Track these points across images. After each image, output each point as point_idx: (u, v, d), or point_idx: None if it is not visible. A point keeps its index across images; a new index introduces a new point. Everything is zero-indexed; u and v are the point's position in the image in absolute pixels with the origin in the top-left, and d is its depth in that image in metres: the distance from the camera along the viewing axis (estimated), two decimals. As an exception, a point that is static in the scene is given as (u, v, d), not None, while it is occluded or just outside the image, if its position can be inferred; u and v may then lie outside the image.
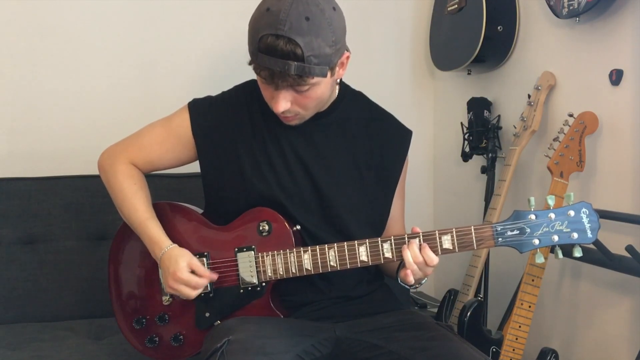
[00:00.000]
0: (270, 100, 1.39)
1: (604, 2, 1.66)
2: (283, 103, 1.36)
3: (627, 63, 1.67)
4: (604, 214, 1.67)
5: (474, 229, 1.32)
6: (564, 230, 1.28)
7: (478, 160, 2.23)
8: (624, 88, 1.68)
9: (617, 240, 1.61)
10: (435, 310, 2.19)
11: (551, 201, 1.31)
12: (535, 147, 2.00)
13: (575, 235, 1.27)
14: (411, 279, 1.36)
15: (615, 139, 1.72)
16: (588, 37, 1.79)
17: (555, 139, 1.77)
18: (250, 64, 1.35)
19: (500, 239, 1.30)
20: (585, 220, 1.27)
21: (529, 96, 1.94)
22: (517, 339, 1.76)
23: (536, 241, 1.29)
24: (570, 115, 1.75)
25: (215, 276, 1.46)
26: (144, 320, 1.54)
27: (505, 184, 1.95)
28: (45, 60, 2.20)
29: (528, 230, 1.29)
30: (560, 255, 1.31)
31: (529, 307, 1.75)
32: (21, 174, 2.08)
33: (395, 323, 1.46)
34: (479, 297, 2.01)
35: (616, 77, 1.69)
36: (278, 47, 1.26)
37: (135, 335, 1.55)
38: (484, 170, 2.16)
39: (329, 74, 1.34)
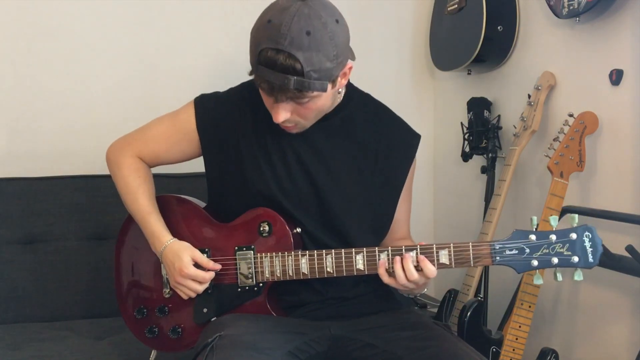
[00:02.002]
0: (271, 109, 1.40)
1: (604, 2, 1.66)
2: (282, 114, 1.36)
3: (627, 63, 1.67)
4: (604, 214, 1.68)
5: (472, 246, 1.29)
6: (564, 253, 1.23)
7: (478, 160, 2.23)
8: (624, 88, 1.68)
9: (617, 240, 1.61)
10: (435, 310, 2.19)
11: (554, 222, 1.25)
12: (535, 147, 2.00)
13: (576, 258, 1.23)
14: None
15: (615, 139, 1.72)
16: (588, 37, 1.79)
17: (555, 139, 1.77)
18: (250, 74, 1.35)
19: (498, 258, 1.27)
20: (587, 244, 1.22)
21: (529, 96, 1.94)
22: (517, 339, 1.76)
23: (535, 262, 1.24)
24: (570, 115, 1.75)
25: (218, 266, 1.47)
26: (145, 311, 1.57)
27: (505, 184, 1.95)
28: (45, 60, 2.20)
29: (527, 250, 1.25)
30: (560, 278, 1.26)
31: (529, 307, 1.75)
32: (21, 174, 2.08)
33: (392, 322, 1.45)
34: (479, 297, 2.01)
35: (616, 77, 1.69)
36: (278, 62, 1.26)
37: (136, 325, 1.58)
38: (484, 170, 2.16)
39: (329, 87, 1.34)
